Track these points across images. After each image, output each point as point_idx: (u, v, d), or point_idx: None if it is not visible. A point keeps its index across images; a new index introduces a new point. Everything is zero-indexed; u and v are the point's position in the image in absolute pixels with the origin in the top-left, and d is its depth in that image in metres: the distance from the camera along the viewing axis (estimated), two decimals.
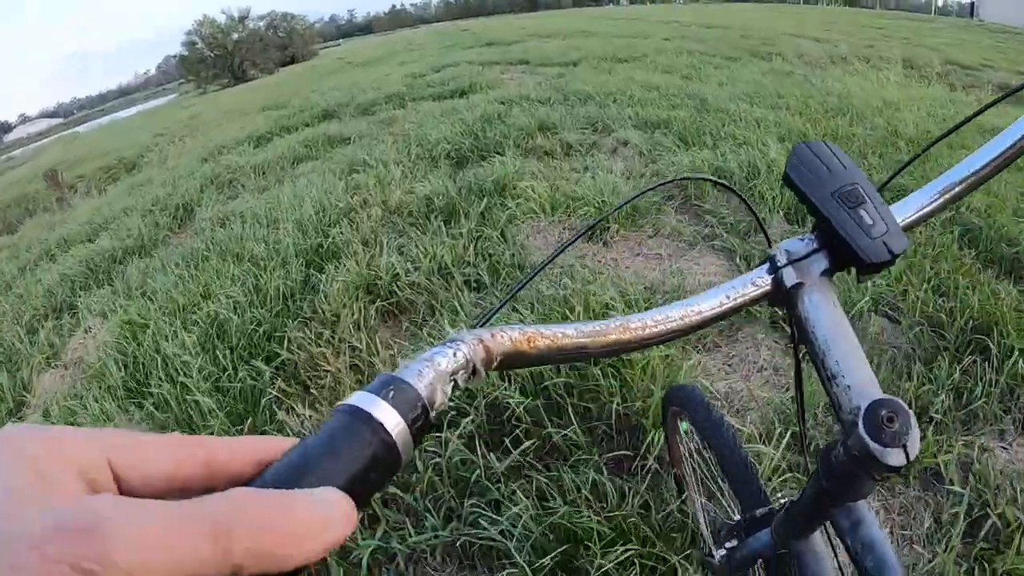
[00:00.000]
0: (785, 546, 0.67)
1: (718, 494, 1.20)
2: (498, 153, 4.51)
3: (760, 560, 0.77)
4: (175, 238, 4.79)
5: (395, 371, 0.35)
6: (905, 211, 0.55)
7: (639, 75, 7.96)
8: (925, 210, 0.55)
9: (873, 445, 0.42)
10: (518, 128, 5.07)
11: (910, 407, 0.49)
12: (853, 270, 0.51)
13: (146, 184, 7.54)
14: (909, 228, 0.54)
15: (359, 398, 0.32)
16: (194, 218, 5.02)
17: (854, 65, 8.71)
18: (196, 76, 33.61)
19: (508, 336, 0.41)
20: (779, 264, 0.52)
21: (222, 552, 0.22)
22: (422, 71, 11.24)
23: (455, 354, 0.37)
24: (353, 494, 0.28)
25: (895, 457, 0.41)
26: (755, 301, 0.53)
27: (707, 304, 0.51)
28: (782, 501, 0.77)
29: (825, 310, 0.50)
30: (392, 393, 0.33)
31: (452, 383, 0.36)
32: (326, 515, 0.26)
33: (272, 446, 0.30)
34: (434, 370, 0.35)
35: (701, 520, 1.39)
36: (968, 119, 0.60)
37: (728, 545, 0.88)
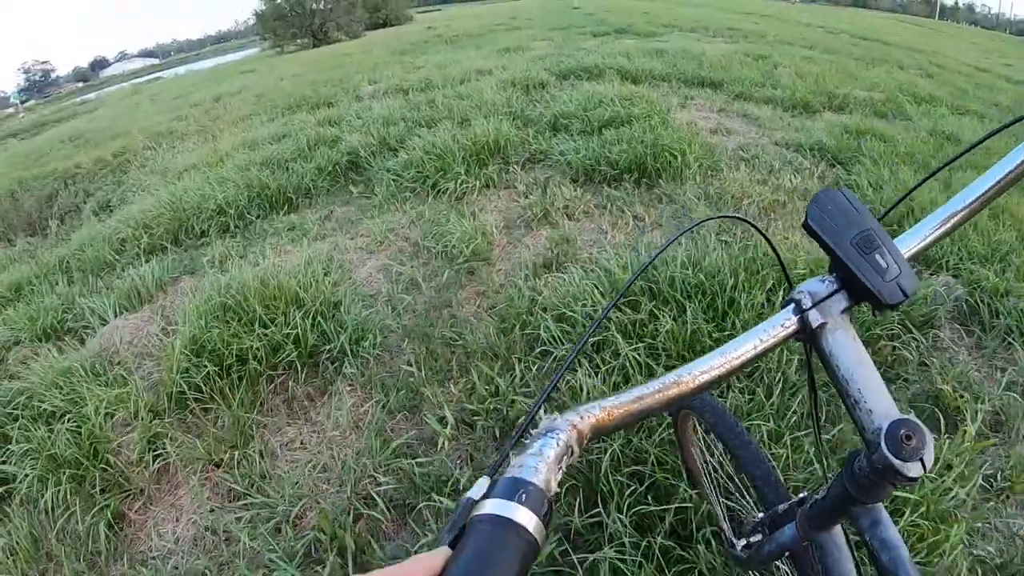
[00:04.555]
0: (809, 538, 0.71)
1: (734, 491, 1.23)
2: None
3: (788, 552, 0.80)
4: None
5: (513, 470, 0.41)
6: (912, 241, 0.59)
7: None
8: (930, 238, 0.59)
9: (895, 461, 0.47)
10: None
11: None
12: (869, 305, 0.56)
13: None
14: (916, 256, 0.59)
15: (497, 506, 0.37)
16: None
17: None
18: (272, 34, 29.89)
19: (593, 415, 0.47)
20: (805, 307, 0.56)
21: None
22: (537, 75, 6.72)
23: (557, 443, 0.43)
24: None
25: (914, 469, 0.47)
26: (784, 341, 0.57)
27: (743, 349, 0.55)
28: (800, 496, 0.78)
29: (846, 345, 0.55)
30: (524, 496, 0.38)
31: (560, 469, 0.42)
32: None
33: (428, 565, 0.34)
34: (546, 463, 0.41)
35: (718, 514, 1.34)
36: (974, 145, 0.64)
37: (753, 539, 0.89)
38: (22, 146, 15.51)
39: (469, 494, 0.40)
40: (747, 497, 1.21)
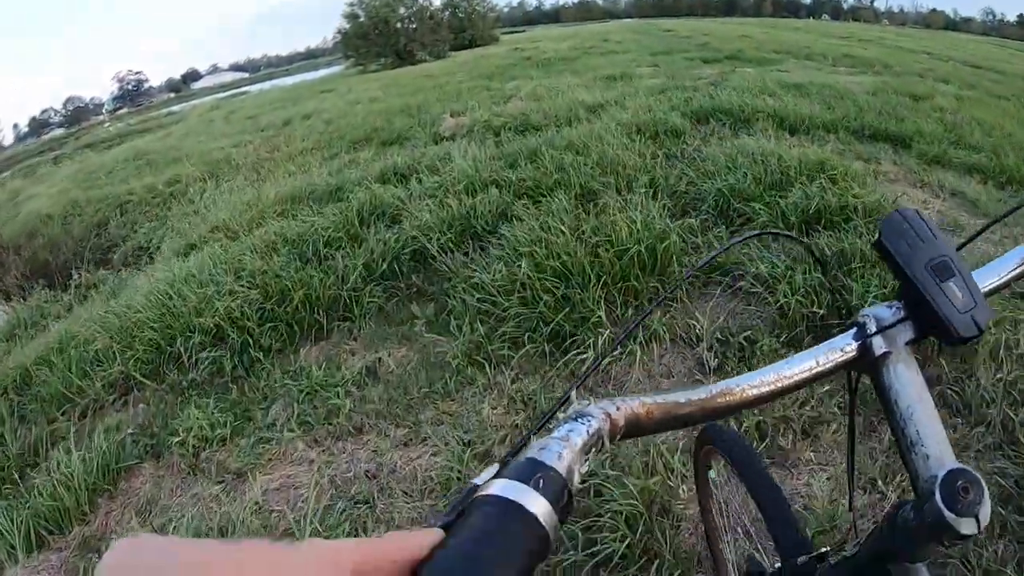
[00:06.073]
0: None
1: (754, 537, 1.14)
2: None
3: None
4: None
5: (532, 451, 0.34)
6: (991, 276, 0.53)
7: None
8: (1007, 276, 0.54)
9: (948, 514, 0.40)
10: None
11: None
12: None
13: None
14: (991, 294, 0.53)
15: (507, 488, 0.30)
16: None
17: None
18: (355, 52, 29.34)
19: (630, 407, 0.40)
20: (869, 332, 0.49)
21: None
22: (666, 118, 5.12)
23: (588, 430, 0.36)
24: None
25: (968, 526, 0.40)
26: (842, 367, 0.50)
27: (798, 368, 0.49)
28: (822, 551, 0.68)
29: (909, 380, 0.48)
30: (541, 481, 0.30)
31: (586, 460, 0.35)
32: None
33: (412, 543, 0.27)
34: (571, 450, 0.34)
35: (730, 562, 1.23)
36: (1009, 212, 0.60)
37: None
38: (95, 158, 15.18)
39: (474, 480, 0.32)
40: (764, 544, 1.09)
